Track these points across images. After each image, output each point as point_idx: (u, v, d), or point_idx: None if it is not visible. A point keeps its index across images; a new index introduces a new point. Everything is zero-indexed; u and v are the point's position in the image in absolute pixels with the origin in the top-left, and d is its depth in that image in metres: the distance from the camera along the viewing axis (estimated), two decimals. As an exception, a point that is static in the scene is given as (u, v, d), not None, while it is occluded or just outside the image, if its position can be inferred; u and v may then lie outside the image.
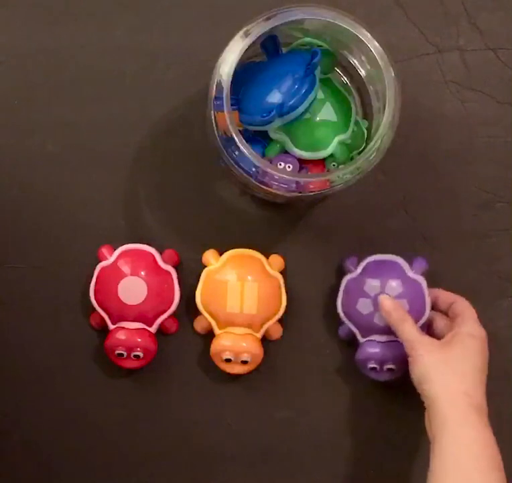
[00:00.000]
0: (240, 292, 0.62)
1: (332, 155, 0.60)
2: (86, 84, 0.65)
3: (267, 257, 0.64)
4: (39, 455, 0.65)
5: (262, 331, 0.63)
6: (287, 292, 0.64)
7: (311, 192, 0.56)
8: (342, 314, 0.63)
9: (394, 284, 0.62)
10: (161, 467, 0.65)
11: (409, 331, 0.59)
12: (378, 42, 0.54)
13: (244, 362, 0.62)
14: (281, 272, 0.64)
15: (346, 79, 0.62)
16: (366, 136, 0.61)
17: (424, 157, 0.66)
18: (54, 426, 0.65)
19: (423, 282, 0.62)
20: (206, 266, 0.63)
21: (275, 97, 0.55)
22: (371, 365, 0.62)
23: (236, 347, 0.61)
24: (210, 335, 0.64)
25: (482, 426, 0.54)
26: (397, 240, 0.65)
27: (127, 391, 0.65)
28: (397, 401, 0.65)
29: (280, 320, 0.64)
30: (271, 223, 0.66)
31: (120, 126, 0.65)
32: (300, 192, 0.56)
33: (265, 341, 0.64)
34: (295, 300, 0.65)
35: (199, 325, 0.64)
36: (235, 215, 0.66)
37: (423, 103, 0.65)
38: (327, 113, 0.59)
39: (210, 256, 0.64)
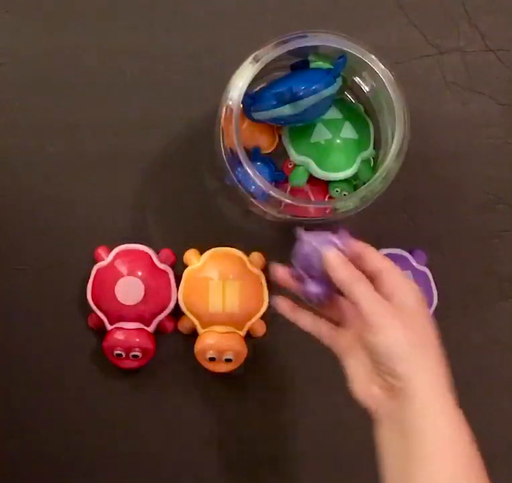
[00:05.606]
0: (222, 290, 0.62)
1: (355, 175, 0.60)
2: (86, 86, 0.65)
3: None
4: (38, 455, 0.65)
5: (245, 328, 0.63)
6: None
7: (314, 217, 0.58)
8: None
9: (406, 275, 0.62)
10: (160, 467, 0.65)
11: (365, 293, 0.47)
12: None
13: (228, 360, 0.62)
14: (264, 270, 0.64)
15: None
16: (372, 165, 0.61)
17: (425, 158, 0.66)
18: (53, 426, 0.65)
19: (429, 273, 0.64)
20: (187, 266, 0.63)
21: (286, 85, 0.55)
22: None
23: (219, 345, 0.61)
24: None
25: (459, 417, 0.44)
26: (397, 240, 0.65)
27: (126, 391, 0.65)
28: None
29: (263, 317, 0.63)
30: (269, 222, 0.65)
31: (120, 127, 0.64)
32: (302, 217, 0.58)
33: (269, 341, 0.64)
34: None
35: (183, 326, 0.64)
36: (231, 215, 0.66)
37: (424, 105, 0.65)
38: (348, 131, 0.59)
39: (191, 255, 0.64)
